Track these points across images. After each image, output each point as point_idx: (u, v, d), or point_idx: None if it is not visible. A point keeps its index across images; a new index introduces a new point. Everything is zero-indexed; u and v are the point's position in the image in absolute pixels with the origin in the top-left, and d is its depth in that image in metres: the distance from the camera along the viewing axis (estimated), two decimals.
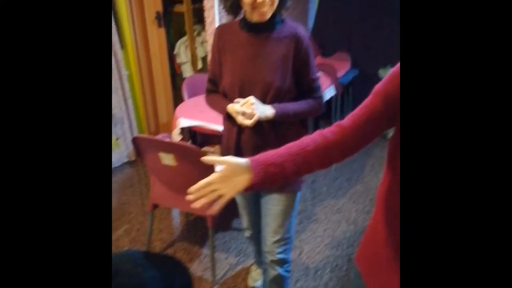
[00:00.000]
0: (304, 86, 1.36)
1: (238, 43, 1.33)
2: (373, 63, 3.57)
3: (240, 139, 1.39)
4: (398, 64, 0.79)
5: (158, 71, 3.12)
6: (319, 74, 2.91)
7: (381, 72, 3.25)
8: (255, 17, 1.25)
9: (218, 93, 1.43)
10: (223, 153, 1.47)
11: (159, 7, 2.93)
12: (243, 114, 1.25)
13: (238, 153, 1.38)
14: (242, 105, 1.25)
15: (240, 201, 1.61)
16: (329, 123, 3.58)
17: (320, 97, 1.40)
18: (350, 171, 2.98)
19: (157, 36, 3.01)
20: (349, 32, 3.81)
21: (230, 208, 1.43)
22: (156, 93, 3.20)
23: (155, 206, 2.03)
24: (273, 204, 1.46)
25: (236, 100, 1.29)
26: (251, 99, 1.24)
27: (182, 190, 1.86)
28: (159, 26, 2.97)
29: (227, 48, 1.35)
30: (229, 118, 1.36)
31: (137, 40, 2.93)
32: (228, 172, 0.85)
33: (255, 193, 1.54)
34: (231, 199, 0.87)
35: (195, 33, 3.38)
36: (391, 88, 0.81)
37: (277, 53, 1.29)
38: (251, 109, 1.23)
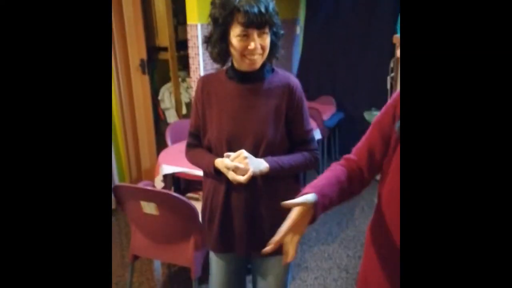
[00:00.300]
0: (297, 138, 1.28)
1: (226, 94, 1.24)
2: (357, 106, 3.63)
3: (229, 198, 1.26)
4: (393, 96, 0.90)
5: (141, 117, 3.09)
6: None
7: (366, 114, 3.29)
8: (244, 66, 1.19)
9: (201, 148, 1.33)
10: (205, 215, 1.34)
11: (143, 55, 2.96)
12: (235, 169, 1.13)
13: (226, 214, 1.27)
14: (234, 160, 1.14)
15: (220, 278, 1.39)
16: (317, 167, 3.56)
17: (315, 150, 1.31)
18: (340, 215, 2.92)
19: (141, 82, 3.02)
20: (333, 76, 3.90)
21: None
22: (139, 139, 3.15)
23: (136, 258, 1.92)
24: (266, 269, 1.34)
25: (226, 154, 1.18)
26: (244, 153, 1.14)
27: (165, 239, 1.79)
28: (143, 73, 2.99)
29: (212, 100, 1.26)
30: (216, 175, 1.23)
31: (120, 86, 2.92)
32: (303, 212, 0.85)
33: (243, 260, 1.40)
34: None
35: (180, 79, 3.40)
36: (386, 117, 0.90)
37: (269, 104, 1.22)
38: (245, 163, 1.13)
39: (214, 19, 1.15)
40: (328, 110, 3.55)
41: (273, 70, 1.28)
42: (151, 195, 1.63)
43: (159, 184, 2.20)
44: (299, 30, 4.14)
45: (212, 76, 1.30)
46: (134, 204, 1.70)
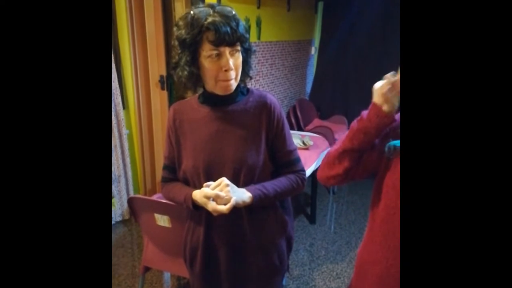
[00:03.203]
0: (281, 160, 1.18)
1: (199, 121, 1.15)
2: None
3: (210, 235, 1.18)
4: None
5: (158, 131, 3.18)
6: (318, 137, 2.94)
7: None
8: (219, 90, 1.09)
9: (178, 181, 1.21)
10: (186, 255, 1.27)
11: (163, 71, 3.06)
12: (216, 198, 1.02)
13: (209, 252, 1.20)
14: (214, 188, 1.03)
15: None
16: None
17: (302, 170, 1.20)
18: (349, 234, 2.92)
19: (160, 97, 3.11)
20: (345, 97, 3.95)
21: None
22: (155, 152, 3.23)
23: (147, 269, 1.95)
24: None
25: (205, 184, 1.06)
26: (225, 180, 1.04)
27: (176, 252, 1.83)
28: (162, 88, 3.09)
29: (185, 128, 1.17)
30: (194, 209, 1.12)
31: (139, 100, 3.03)
32: None
33: None
34: None
35: (175, 103, 3.49)
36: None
37: (246, 125, 1.13)
38: (226, 191, 1.02)
39: (181, 41, 1.04)
40: (340, 130, 3.59)
41: (248, 90, 1.19)
42: (165, 208, 1.67)
43: None
44: (313, 50, 4.22)
45: (184, 104, 1.20)
46: (148, 216, 1.75)
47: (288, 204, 1.29)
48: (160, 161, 3.27)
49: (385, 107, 0.91)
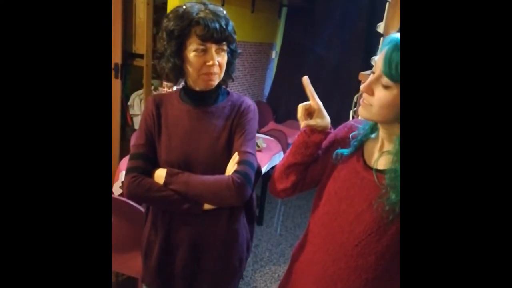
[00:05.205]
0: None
1: (177, 117, 1.14)
2: None
3: (170, 231, 1.18)
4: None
5: None
6: (271, 140, 2.97)
7: None
8: (200, 84, 1.10)
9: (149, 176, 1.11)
10: (143, 248, 1.25)
11: (118, 59, 2.96)
12: None
13: (166, 249, 1.18)
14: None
15: None
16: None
17: (240, 173, 1.06)
18: (294, 237, 2.98)
19: (113, 86, 3.01)
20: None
21: None
22: None
23: None
24: None
25: None
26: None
27: (115, 247, 1.76)
28: (116, 77, 2.98)
29: (163, 122, 1.15)
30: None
31: None
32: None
33: None
34: None
35: (152, 87, 3.41)
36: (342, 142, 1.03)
37: (221, 128, 1.13)
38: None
39: (168, 32, 1.05)
40: (293, 134, 3.62)
41: (228, 93, 1.22)
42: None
43: (117, 190, 2.18)
44: (274, 54, 4.28)
45: (165, 97, 1.19)
46: None
47: (252, 207, 1.30)
48: (115, 149, 3.15)
49: (312, 123, 1.01)
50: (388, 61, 0.79)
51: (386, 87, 0.81)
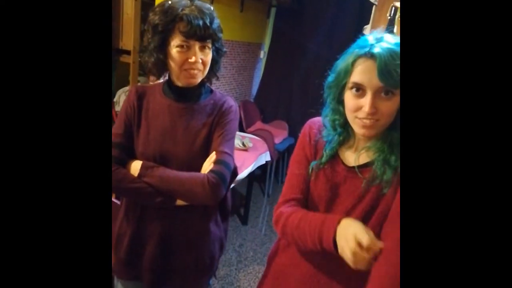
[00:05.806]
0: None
1: (157, 111, 1.13)
2: None
3: (141, 224, 1.17)
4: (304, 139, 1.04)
5: None
6: (257, 139, 2.97)
7: None
8: (182, 80, 1.09)
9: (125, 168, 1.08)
10: (113, 240, 1.23)
11: None
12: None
13: (135, 241, 1.18)
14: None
15: None
16: (263, 185, 3.63)
17: (216, 172, 1.05)
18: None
19: None
20: (289, 103, 4.05)
21: None
22: None
23: None
24: None
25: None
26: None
27: None
28: None
29: (143, 114, 1.13)
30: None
31: None
32: None
33: None
34: None
35: (138, 84, 3.37)
36: (308, 151, 1.01)
37: (201, 126, 1.12)
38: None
39: (153, 26, 1.04)
40: (280, 134, 3.67)
41: (211, 91, 1.20)
42: None
43: None
44: (263, 55, 4.28)
45: (148, 89, 1.17)
46: None
47: (227, 206, 1.28)
48: None
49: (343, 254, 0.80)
50: (386, 71, 0.78)
51: (388, 98, 0.82)
